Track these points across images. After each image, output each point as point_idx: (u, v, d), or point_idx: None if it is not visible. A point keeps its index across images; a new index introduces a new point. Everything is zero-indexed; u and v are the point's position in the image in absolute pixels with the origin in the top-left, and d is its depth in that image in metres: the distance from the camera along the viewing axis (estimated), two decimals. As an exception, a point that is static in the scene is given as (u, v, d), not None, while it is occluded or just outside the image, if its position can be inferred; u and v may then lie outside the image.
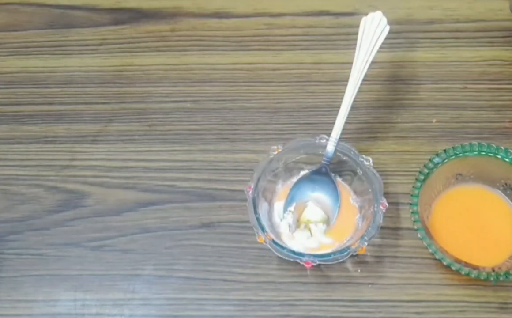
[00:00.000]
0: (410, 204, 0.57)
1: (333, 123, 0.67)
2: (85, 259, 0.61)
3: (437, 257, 0.54)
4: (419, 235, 0.56)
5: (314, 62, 0.72)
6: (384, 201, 0.57)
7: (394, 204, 0.61)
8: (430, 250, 0.55)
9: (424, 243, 0.55)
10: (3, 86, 0.73)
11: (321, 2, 0.76)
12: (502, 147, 0.59)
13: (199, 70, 0.72)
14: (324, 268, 0.59)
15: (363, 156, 0.59)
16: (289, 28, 0.75)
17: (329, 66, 0.71)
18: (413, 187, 0.58)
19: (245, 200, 0.59)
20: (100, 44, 0.75)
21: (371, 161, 0.59)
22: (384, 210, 0.56)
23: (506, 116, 0.66)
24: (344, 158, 0.60)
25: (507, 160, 0.59)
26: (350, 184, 0.61)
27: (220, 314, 0.58)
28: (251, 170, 0.61)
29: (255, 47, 0.74)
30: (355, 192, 0.60)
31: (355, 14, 0.75)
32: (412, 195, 0.58)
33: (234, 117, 0.69)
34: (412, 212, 0.57)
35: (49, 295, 0.59)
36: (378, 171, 0.59)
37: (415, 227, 0.56)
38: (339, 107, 0.67)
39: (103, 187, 0.65)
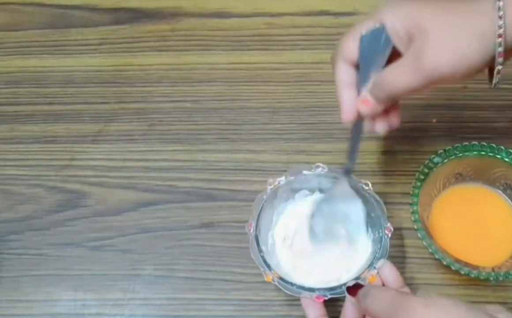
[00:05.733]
0: (410, 204, 0.57)
1: (333, 123, 0.67)
2: (85, 259, 0.61)
3: (437, 257, 0.54)
4: (419, 235, 0.56)
5: (314, 62, 0.72)
6: (389, 225, 0.56)
7: (394, 204, 0.60)
8: (430, 250, 0.55)
9: (424, 243, 0.55)
10: (3, 86, 0.73)
11: (321, 2, 0.76)
12: (502, 147, 0.59)
13: (199, 70, 0.72)
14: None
15: (362, 181, 0.58)
16: (289, 28, 0.75)
17: (329, 66, 0.71)
18: (413, 187, 0.58)
19: (245, 200, 0.59)
20: (100, 44, 0.75)
21: (370, 185, 0.58)
22: (389, 235, 0.55)
23: (506, 116, 0.66)
24: None
25: (507, 160, 0.59)
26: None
27: (220, 314, 0.58)
28: (252, 170, 0.61)
29: (255, 47, 0.74)
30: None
31: (355, 14, 0.75)
32: (412, 195, 0.58)
33: (234, 117, 0.69)
34: (412, 212, 0.57)
35: (49, 295, 0.59)
36: (379, 171, 0.58)
37: (415, 227, 0.56)
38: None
39: (103, 187, 0.65)
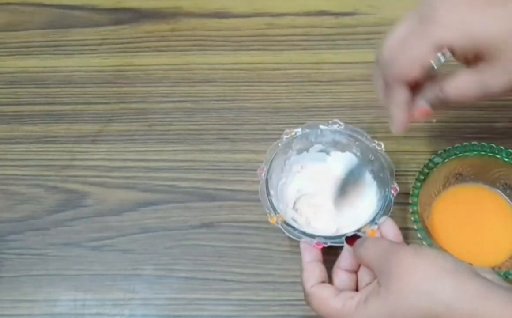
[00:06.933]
0: (410, 204, 0.57)
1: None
2: (85, 259, 0.61)
3: (437, 257, 0.54)
4: (419, 235, 0.56)
5: (314, 62, 0.72)
6: (395, 185, 0.57)
7: (394, 204, 0.60)
8: (430, 250, 0.55)
9: (424, 243, 0.55)
10: (3, 86, 0.73)
11: (321, 2, 0.76)
12: (502, 147, 0.59)
13: (199, 70, 0.72)
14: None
15: (375, 141, 0.60)
16: (289, 28, 0.75)
17: (329, 66, 0.71)
18: (413, 187, 0.58)
19: (245, 200, 0.59)
20: (100, 44, 0.75)
21: (382, 146, 0.60)
22: (395, 195, 0.57)
23: (506, 116, 0.66)
24: (356, 142, 0.61)
25: (507, 160, 0.59)
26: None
27: (220, 314, 0.58)
28: (252, 170, 0.61)
29: (255, 47, 0.74)
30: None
31: (355, 14, 0.75)
32: (412, 195, 0.58)
33: (234, 117, 0.69)
34: (412, 212, 0.57)
35: (49, 295, 0.59)
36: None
37: (415, 227, 0.56)
38: (339, 107, 0.67)
39: (103, 187, 0.65)
